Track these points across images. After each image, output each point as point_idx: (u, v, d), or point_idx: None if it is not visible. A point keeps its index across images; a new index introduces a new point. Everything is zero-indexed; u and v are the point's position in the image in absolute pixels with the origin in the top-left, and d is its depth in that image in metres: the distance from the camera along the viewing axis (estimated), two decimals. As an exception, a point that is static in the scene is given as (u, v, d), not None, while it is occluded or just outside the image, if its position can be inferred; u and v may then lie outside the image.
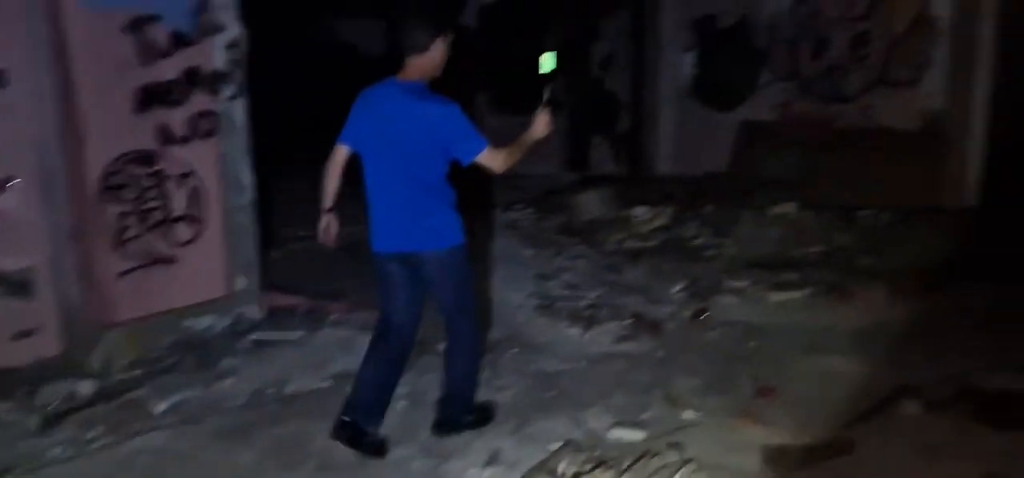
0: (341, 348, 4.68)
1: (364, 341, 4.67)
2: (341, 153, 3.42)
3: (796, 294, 5.32)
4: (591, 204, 7.50)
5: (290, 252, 6.76)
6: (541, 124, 3.26)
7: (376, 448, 3.49)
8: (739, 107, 8.74)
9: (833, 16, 7.95)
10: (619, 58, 9.89)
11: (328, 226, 3.53)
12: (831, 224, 6.65)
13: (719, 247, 6.46)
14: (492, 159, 3.18)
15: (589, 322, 4.95)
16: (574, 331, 4.85)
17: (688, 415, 3.72)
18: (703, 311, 5.07)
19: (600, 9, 9.97)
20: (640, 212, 7.16)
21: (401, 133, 3.17)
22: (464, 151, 3.17)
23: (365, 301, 5.41)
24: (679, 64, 9.17)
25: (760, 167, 8.34)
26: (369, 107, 3.30)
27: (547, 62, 3.37)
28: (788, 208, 6.87)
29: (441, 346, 3.74)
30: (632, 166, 9.64)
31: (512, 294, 5.51)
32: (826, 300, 5.23)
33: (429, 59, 3.23)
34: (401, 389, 4.10)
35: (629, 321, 4.94)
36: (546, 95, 3.27)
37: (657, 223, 6.99)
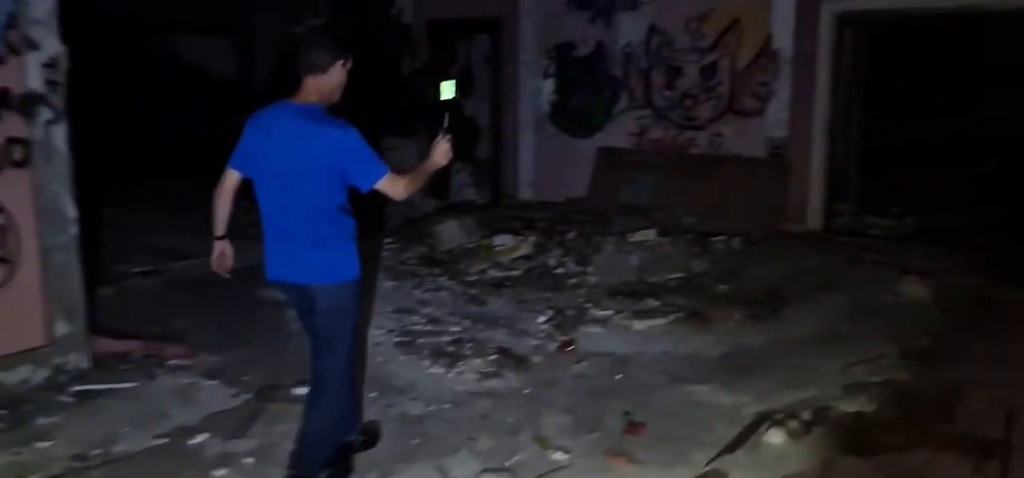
0: (180, 398, 4.24)
1: (208, 389, 4.26)
2: (231, 178, 3.24)
3: (659, 321, 5.34)
4: (452, 233, 7.33)
5: (124, 290, 6.17)
6: (441, 151, 3.20)
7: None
8: (597, 133, 8.86)
9: (684, 47, 8.21)
10: (479, 83, 9.82)
11: (222, 254, 3.39)
12: (688, 250, 6.79)
13: (582, 275, 6.44)
14: (393, 185, 3.06)
15: (453, 359, 4.74)
16: (437, 369, 4.62)
17: (558, 457, 3.58)
18: (569, 343, 4.98)
19: (459, 34, 9.88)
20: (502, 240, 7.06)
21: (296, 157, 3.00)
22: (363, 176, 3.03)
23: (210, 343, 4.98)
24: (538, 90, 9.20)
25: (619, 193, 8.46)
26: (261, 130, 3.12)
27: (447, 89, 3.36)
28: (647, 234, 6.95)
29: (300, 390, 3.42)
30: (493, 193, 9.56)
31: (370, 330, 5.22)
32: (688, 327, 5.28)
33: (327, 81, 3.09)
34: (247, 443, 3.76)
35: (494, 356, 4.77)
36: (446, 122, 3.20)
37: (520, 252, 6.90)
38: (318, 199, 3.05)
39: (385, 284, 6.31)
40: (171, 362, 4.69)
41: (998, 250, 6.85)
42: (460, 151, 10.02)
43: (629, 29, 8.52)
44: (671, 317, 5.36)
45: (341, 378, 3.28)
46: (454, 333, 5.20)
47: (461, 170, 9.95)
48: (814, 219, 7.69)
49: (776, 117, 7.77)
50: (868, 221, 8.36)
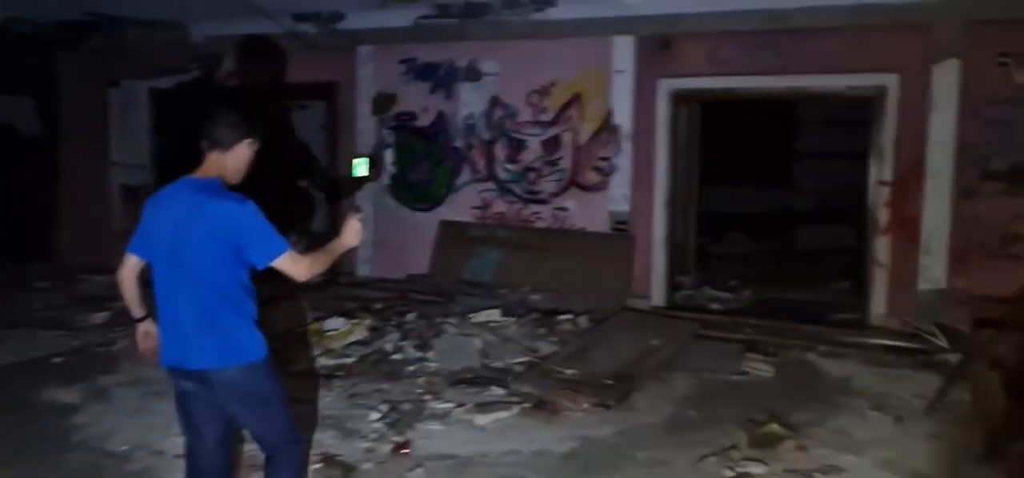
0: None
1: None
2: (130, 263, 3.09)
3: (503, 414, 4.93)
4: (280, 318, 6.63)
5: None
6: (352, 232, 3.12)
7: None
8: (439, 207, 8.49)
9: (526, 120, 8.04)
10: (313, 152, 9.23)
11: (146, 335, 3.20)
12: (533, 330, 6.47)
13: (421, 361, 5.95)
14: (293, 264, 2.92)
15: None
16: (253, 487, 3.97)
17: None
18: (404, 446, 4.45)
19: (294, 101, 9.29)
20: (335, 324, 6.45)
21: (192, 233, 2.88)
22: (261, 253, 2.89)
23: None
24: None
25: (462, 269, 8.09)
26: (159, 209, 2.98)
27: (360, 166, 3.36)
28: (491, 315, 6.59)
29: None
30: (329, 270, 8.90)
31: (163, 443, 4.47)
32: (534, 419, 4.90)
33: (231, 158, 3.01)
34: None
35: (318, 465, 4.17)
36: (356, 201, 2.90)
37: (354, 336, 6.32)
38: (216, 277, 2.89)
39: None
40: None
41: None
42: (294, 224, 9.36)
43: (471, 100, 8.28)
44: (516, 410, 4.97)
45: (289, 451, 3.10)
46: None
47: (297, 243, 9.21)
48: (658, 294, 7.62)
49: (619, 192, 7.71)
50: (708, 294, 8.43)
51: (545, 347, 6.20)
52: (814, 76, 6.89)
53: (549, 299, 7.31)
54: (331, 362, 5.97)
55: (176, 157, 9.86)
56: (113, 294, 8.14)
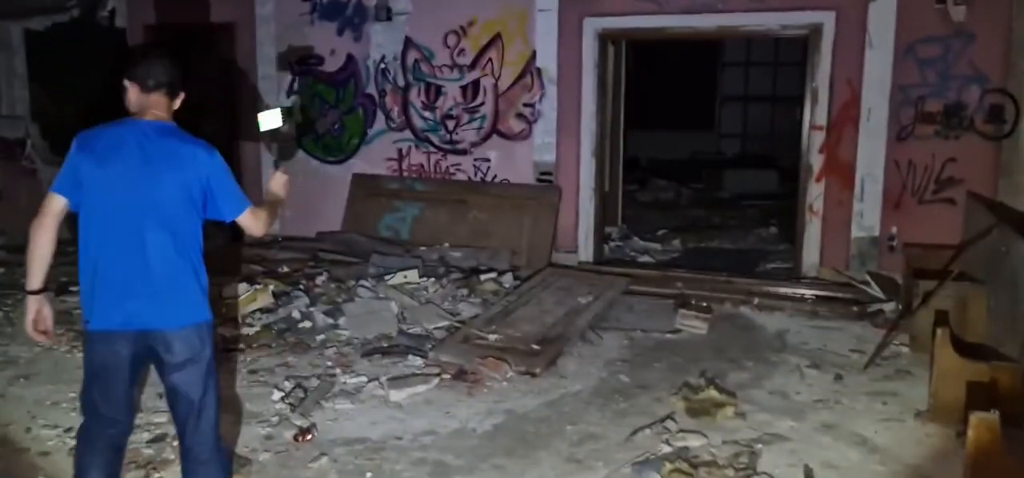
0: None
1: None
2: (55, 208, 2.65)
3: (420, 388, 4.48)
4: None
5: None
6: (278, 182, 3.14)
7: None
8: (352, 159, 7.88)
9: (444, 64, 7.47)
10: (214, 104, 8.44)
11: (39, 313, 2.72)
12: (454, 292, 6.02)
13: (333, 329, 5.44)
14: (255, 219, 2.86)
15: (147, 467, 3.56)
16: (124, 487, 3.42)
17: None
18: (307, 432, 3.95)
19: (190, 48, 8.46)
20: (236, 291, 5.85)
21: (154, 180, 2.63)
22: (230, 205, 2.78)
23: None
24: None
25: (378, 225, 7.55)
26: (102, 150, 2.64)
27: (268, 119, 3.11)
28: (409, 276, 6.10)
29: None
30: (231, 231, 8.22)
31: (43, 431, 3.89)
32: (454, 393, 4.47)
33: (174, 106, 2.83)
34: None
35: (207, 459, 3.64)
36: (275, 152, 2.74)
37: (257, 303, 5.73)
38: (178, 229, 2.67)
39: (74, 357, 4.90)
40: None
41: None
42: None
43: (383, 42, 7.64)
44: (434, 382, 4.52)
45: (217, 454, 2.83)
46: (157, 426, 3.98)
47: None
48: (586, 248, 7.24)
49: (543, 140, 7.26)
50: (638, 245, 8.12)
51: (467, 309, 5.76)
52: (747, 14, 6.52)
53: (470, 256, 6.86)
54: (230, 334, 5.38)
55: (58, 108, 9.07)
56: (-11, 261, 7.37)
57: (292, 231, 7.79)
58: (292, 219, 7.78)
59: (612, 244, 8.12)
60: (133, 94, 2.76)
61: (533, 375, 4.66)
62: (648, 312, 5.90)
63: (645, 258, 7.68)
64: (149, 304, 2.64)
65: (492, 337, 5.11)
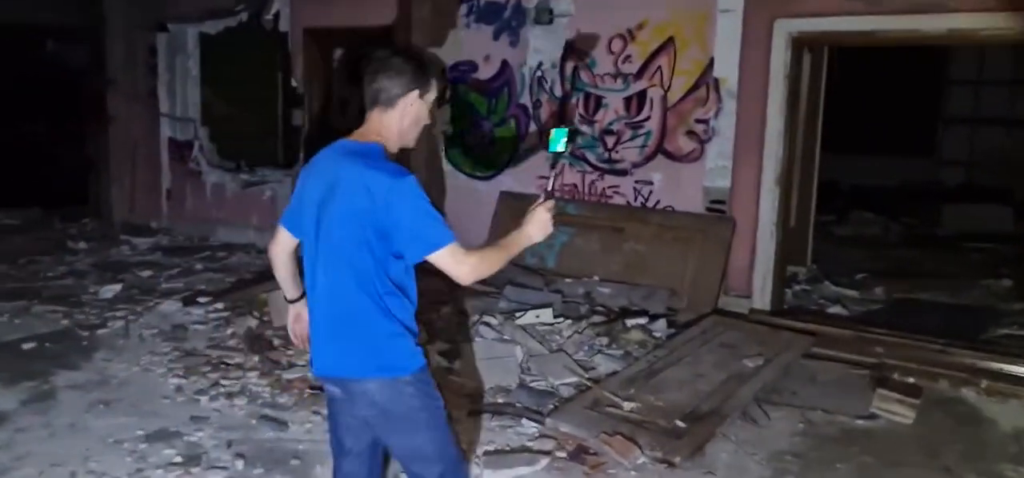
0: None
1: None
2: (281, 239, 2.54)
3: (524, 471, 3.62)
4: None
5: None
6: (540, 223, 2.42)
7: None
8: (500, 175, 7.20)
9: (606, 72, 6.59)
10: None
11: (297, 319, 2.65)
12: (592, 339, 5.12)
13: (446, 374, 4.72)
14: (456, 262, 2.22)
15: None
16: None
17: None
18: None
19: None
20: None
21: (335, 208, 2.29)
22: (412, 243, 2.23)
23: None
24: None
25: (522, 252, 6.78)
26: (312, 177, 2.41)
27: (558, 139, 2.47)
28: (541, 315, 5.28)
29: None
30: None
31: (86, 469, 3.45)
32: (567, 476, 3.59)
33: (396, 117, 2.38)
34: None
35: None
36: (552, 183, 2.49)
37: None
38: (352, 263, 2.27)
39: (166, 382, 4.53)
40: None
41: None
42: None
43: (541, 48, 6.89)
44: (542, 464, 3.65)
45: None
46: (213, 485, 3.43)
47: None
48: (761, 293, 6.06)
49: (717, 163, 6.17)
50: (829, 291, 6.81)
51: (603, 363, 4.84)
52: (989, 14, 5.11)
53: (622, 294, 5.93)
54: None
55: (226, 111, 9.15)
56: (143, 262, 7.42)
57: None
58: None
59: (797, 288, 6.86)
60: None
61: (671, 464, 3.67)
62: (835, 386, 4.69)
63: (837, 309, 6.36)
64: (323, 345, 2.38)
65: (628, 405, 4.16)
